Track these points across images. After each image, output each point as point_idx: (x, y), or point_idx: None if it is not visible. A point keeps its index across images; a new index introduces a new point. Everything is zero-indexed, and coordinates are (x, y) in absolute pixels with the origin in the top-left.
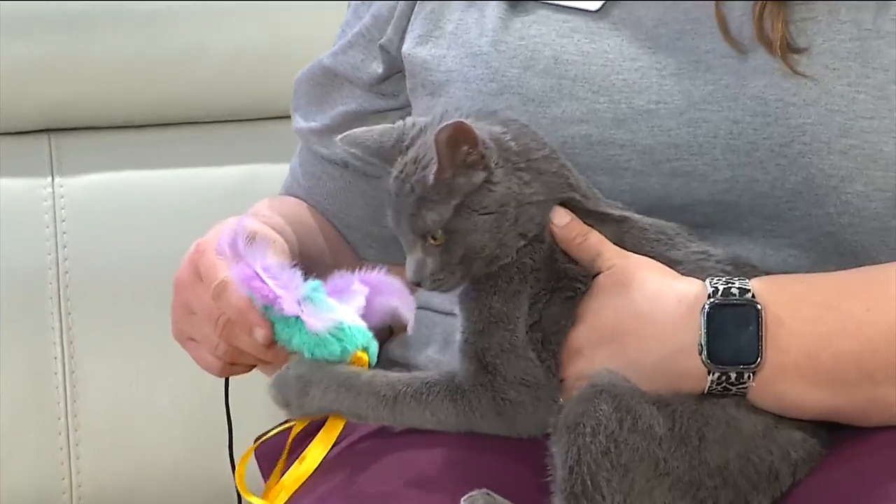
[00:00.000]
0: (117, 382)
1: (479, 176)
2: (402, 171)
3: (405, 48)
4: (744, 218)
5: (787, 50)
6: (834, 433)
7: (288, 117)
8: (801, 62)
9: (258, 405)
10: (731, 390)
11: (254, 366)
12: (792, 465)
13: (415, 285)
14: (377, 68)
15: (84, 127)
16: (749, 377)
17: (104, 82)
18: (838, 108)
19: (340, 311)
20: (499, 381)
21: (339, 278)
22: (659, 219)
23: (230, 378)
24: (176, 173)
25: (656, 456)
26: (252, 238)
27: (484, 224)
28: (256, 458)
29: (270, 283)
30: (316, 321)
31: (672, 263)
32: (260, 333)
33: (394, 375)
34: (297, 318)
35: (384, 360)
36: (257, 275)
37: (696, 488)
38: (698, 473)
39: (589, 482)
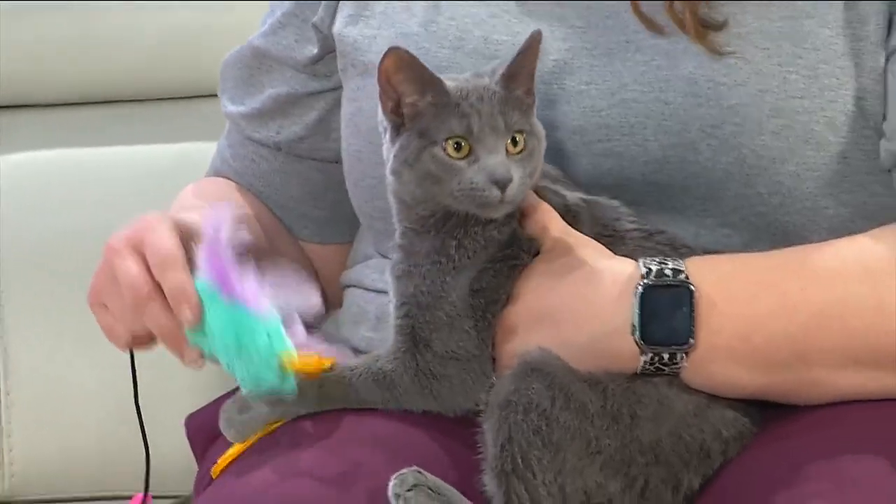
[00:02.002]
0: (49, 361)
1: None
2: (489, 83)
3: (336, 28)
4: (676, 198)
5: (702, 28)
6: (766, 411)
7: (216, 95)
8: (731, 42)
9: (186, 386)
10: (663, 370)
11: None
12: (723, 443)
13: (498, 188)
14: (311, 49)
15: (16, 105)
16: (682, 358)
17: (37, 61)
18: (769, 89)
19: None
20: (427, 355)
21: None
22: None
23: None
24: (109, 151)
25: (588, 434)
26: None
27: (540, 149)
28: (188, 435)
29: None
30: (265, 310)
31: (615, 242)
32: (188, 314)
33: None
34: (238, 308)
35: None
36: (223, 261)
37: (627, 466)
38: (630, 451)
39: (520, 460)
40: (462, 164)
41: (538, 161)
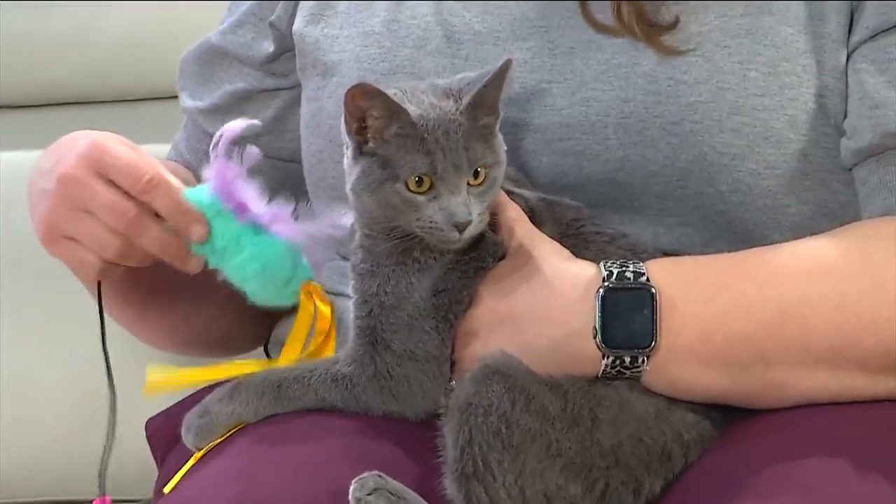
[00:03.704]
0: (10, 363)
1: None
2: (455, 112)
3: (296, 27)
4: (636, 197)
5: (650, 29)
6: (727, 415)
7: (175, 97)
8: (691, 39)
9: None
10: (625, 374)
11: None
12: (684, 446)
13: (458, 230)
14: (268, 47)
15: None
16: (643, 361)
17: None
18: (729, 86)
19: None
20: (387, 356)
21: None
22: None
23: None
24: None
25: (548, 437)
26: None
27: (501, 175)
28: (147, 437)
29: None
30: (289, 231)
31: (579, 245)
32: (198, 231)
33: (277, 368)
34: (255, 234)
35: (276, 342)
36: (235, 182)
37: (588, 469)
38: (590, 454)
39: (480, 463)
40: (422, 199)
41: (497, 188)
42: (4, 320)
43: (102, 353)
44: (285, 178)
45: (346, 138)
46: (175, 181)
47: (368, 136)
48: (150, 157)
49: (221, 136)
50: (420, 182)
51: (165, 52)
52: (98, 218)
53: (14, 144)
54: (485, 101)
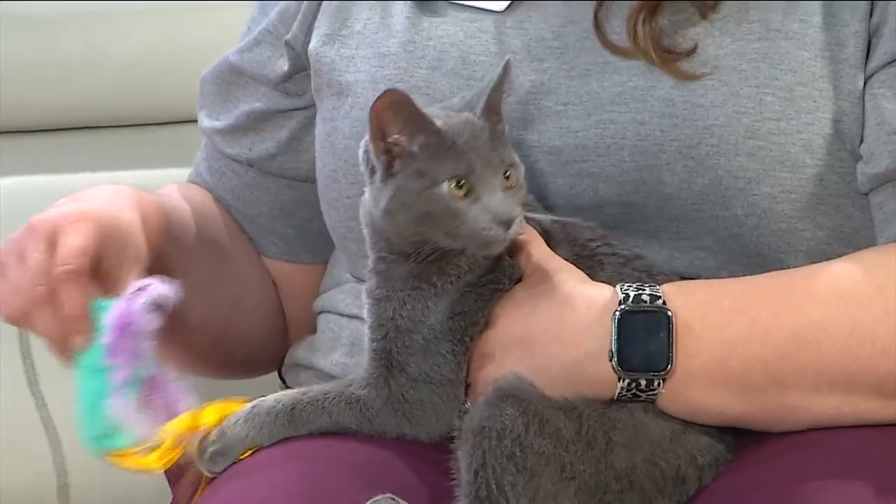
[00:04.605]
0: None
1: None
2: (474, 117)
3: (311, 46)
4: (651, 219)
5: (667, 55)
6: (740, 437)
7: (186, 122)
8: (708, 63)
9: None
10: (640, 397)
11: None
12: (699, 469)
13: (504, 227)
14: (283, 66)
15: None
16: (659, 384)
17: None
18: (745, 110)
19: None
20: (402, 379)
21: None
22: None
23: None
24: (72, 178)
25: (562, 460)
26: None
27: (523, 174)
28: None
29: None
30: (118, 409)
31: (594, 267)
32: (77, 342)
33: (291, 391)
34: (104, 376)
35: (291, 365)
36: (126, 329)
37: (602, 492)
38: (604, 477)
39: (494, 486)
40: (463, 204)
41: (525, 190)
42: (3, 339)
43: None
44: (300, 198)
45: (370, 164)
46: (87, 292)
47: (395, 155)
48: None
49: (149, 284)
50: (460, 186)
51: (173, 76)
52: (21, 271)
53: (22, 170)
54: (494, 104)
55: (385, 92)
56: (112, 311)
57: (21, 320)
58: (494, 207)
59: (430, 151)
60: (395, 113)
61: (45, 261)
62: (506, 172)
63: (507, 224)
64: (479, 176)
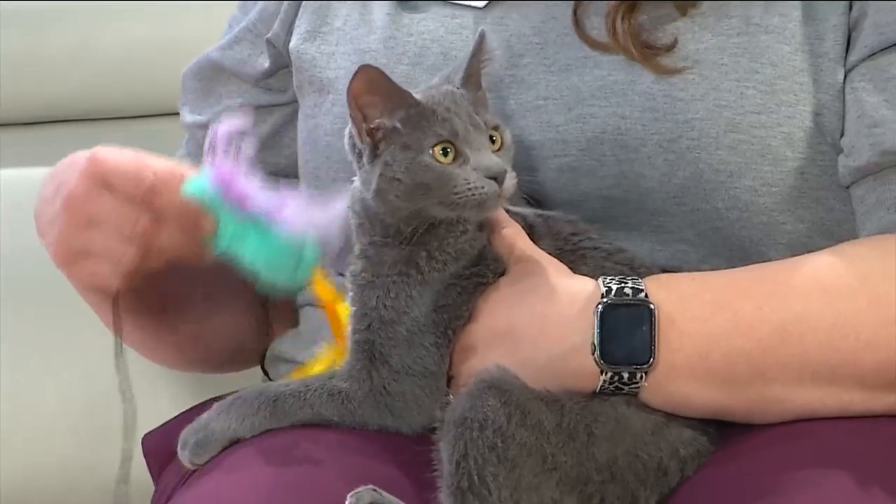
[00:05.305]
0: (9, 380)
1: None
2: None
3: (292, 44)
4: (632, 213)
5: (647, 50)
6: (723, 430)
7: (174, 114)
8: (689, 57)
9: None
10: (622, 390)
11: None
12: (681, 461)
13: (496, 182)
14: (264, 63)
15: None
16: (641, 377)
17: None
18: (726, 104)
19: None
20: (384, 371)
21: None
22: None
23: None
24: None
25: (544, 451)
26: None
27: (510, 136)
28: (144, 453)
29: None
30: (294, 223)
31: (576, 261)
32: (205, 225)
33: (272, 383)
34: (260, 224)
35: (273, 358)
36: (233, 178)
37: (583, 483)
38: (586, 469)
39: (476, 477)
40: (453, 167)
41: (512, 151)
42: (4, 337)
43: (118, 374)
44: None
45: (358, 147)
46: (179, 173)
47: (379, 136)
48: (151, 160)
49: (216, 133)
50: (445, 153)
51: (162, 69)
52: (109, 229)
53: (11, 162)
54: (473, 74)
55: (359, 69)
56: (213, 175)
57: (140, 266)
58: (484, 163)
59: (412, 123)
60: (372, 91)
61: (118, 202)
62: (492, 137)
63: (499, 178)
64: (463, 139)
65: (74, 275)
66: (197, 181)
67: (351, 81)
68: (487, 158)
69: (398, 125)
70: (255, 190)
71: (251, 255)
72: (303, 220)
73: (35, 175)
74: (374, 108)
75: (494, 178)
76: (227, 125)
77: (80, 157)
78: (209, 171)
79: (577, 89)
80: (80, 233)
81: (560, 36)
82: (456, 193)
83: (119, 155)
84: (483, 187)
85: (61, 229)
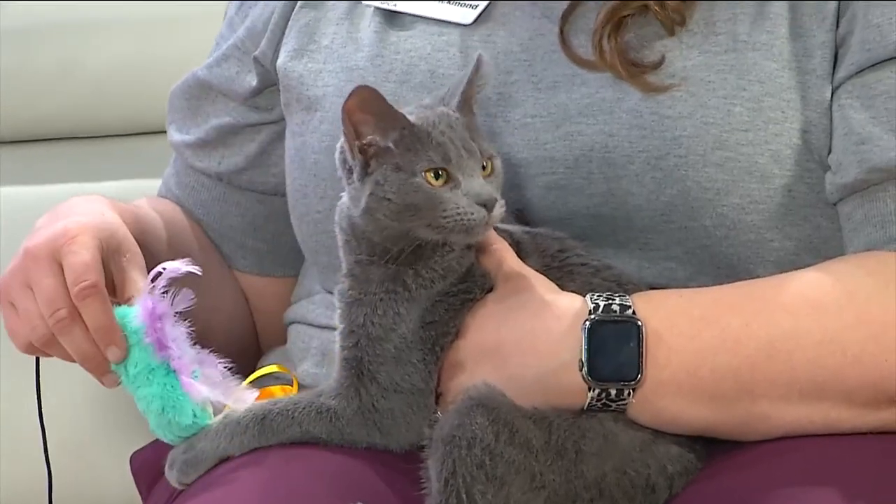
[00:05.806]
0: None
1: None
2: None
3: (280, 62)
4: (620, 231)
5: (634, 68)
6: (711, 447)
7: (161, 132)
8: (676, 75)
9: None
10: (610, 406)
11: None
12: (669, 478)
13: (486, 209)
14: (251, 81)
15: None
16: (629, 394)
17: None
18: (714, 121)
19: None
20: (373, 388)
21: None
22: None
23: None
24: (48, 189)
25: (532, 469)
26: (177, 287)
27: (500, 163)
28: (132, 471)
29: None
30: (199, 389)
31: (564, 277)
32: (115, 353)
33: (260, 402)
34: (167, 374)
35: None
36: (162, 320)
37: (572, 501)
38: (575, 486)
39: (464, 495)
40: (443, 191)
41: (502, 180)
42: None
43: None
44: (270, 212)
45: (347, 165)
46: (107, 299)
47: (371, 153)
48: (97, 262)
49: (162, 270)
50: (437, 175)
51: (150, 87)
52: (38, 299)
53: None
54: (468, 98)
55: (355, 89)
56: (141, 310)
57: (45, 348)
58: (475, 190)
59: (405, 145)
60: (366, 110)
61: (57, 284)
62: (483, 165)
63: (488, 206)
64: (456, 164)
65: (2, 315)
66: (127, 310)
67: (347, 99)
68: (479, 185)
69: (391, 146)
70: (178, 339)
71: (148, 399)
72: (206, 388)
73: (23, 193)
74: (367, 125)
75: (484, 205)
76: (173, 268)
77: (68, 216)
78: (142, 304)
79: (564, 107)
80: (18, 285)
81: (547, 53)
82: (445, 217)
83: (85, 249)
84: (472, 213)
85: (10, 270)
